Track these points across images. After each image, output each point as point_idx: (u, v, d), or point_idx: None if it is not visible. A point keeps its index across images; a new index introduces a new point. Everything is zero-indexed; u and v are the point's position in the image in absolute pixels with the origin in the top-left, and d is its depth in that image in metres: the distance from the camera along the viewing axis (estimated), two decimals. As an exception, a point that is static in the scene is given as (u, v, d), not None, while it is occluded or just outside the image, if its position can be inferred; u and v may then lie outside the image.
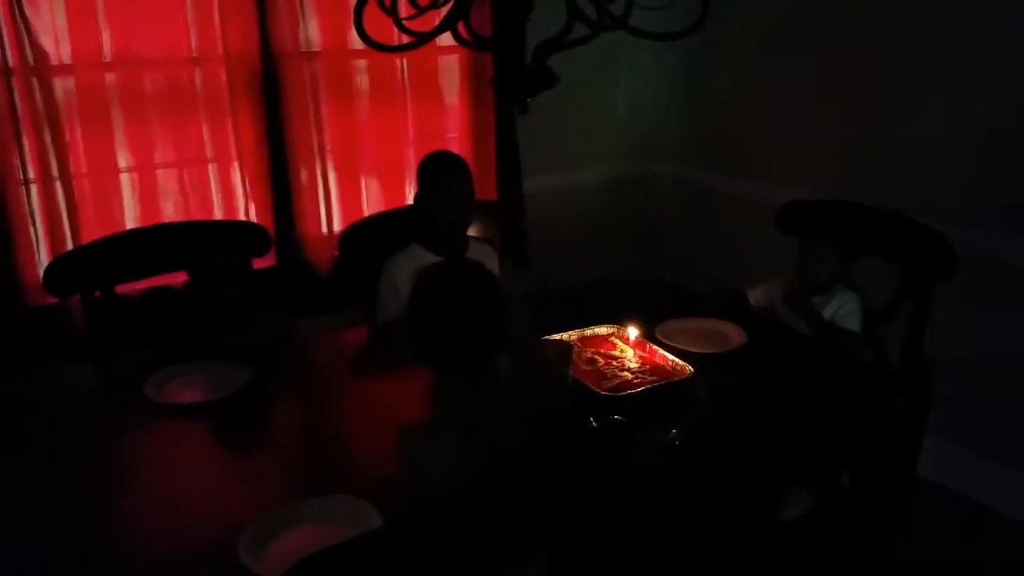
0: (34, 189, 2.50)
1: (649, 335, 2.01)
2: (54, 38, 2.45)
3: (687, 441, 1.57)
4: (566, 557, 1.22)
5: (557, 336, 1.95)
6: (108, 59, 2.56)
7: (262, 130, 2.82)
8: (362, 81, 2.98)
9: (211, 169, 2.81)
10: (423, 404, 1.85)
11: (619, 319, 2.03)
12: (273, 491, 1.51)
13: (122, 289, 2.25)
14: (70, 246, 2.52)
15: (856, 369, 2.02)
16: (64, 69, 2.49)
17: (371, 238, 2.47)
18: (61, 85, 2.49)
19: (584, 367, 1.86)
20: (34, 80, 2.42)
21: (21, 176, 2.47)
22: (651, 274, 3.58)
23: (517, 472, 1.21)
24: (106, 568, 1.33)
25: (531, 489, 1.15)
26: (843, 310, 2.18)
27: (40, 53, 2.41)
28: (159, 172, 2.72)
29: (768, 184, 3.16)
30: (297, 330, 2.27)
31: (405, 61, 3.03)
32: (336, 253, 2.67)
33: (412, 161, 3.07)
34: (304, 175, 2.88)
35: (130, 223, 2.66)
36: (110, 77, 2.58)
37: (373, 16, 1.55)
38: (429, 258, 2.18)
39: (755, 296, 2.36)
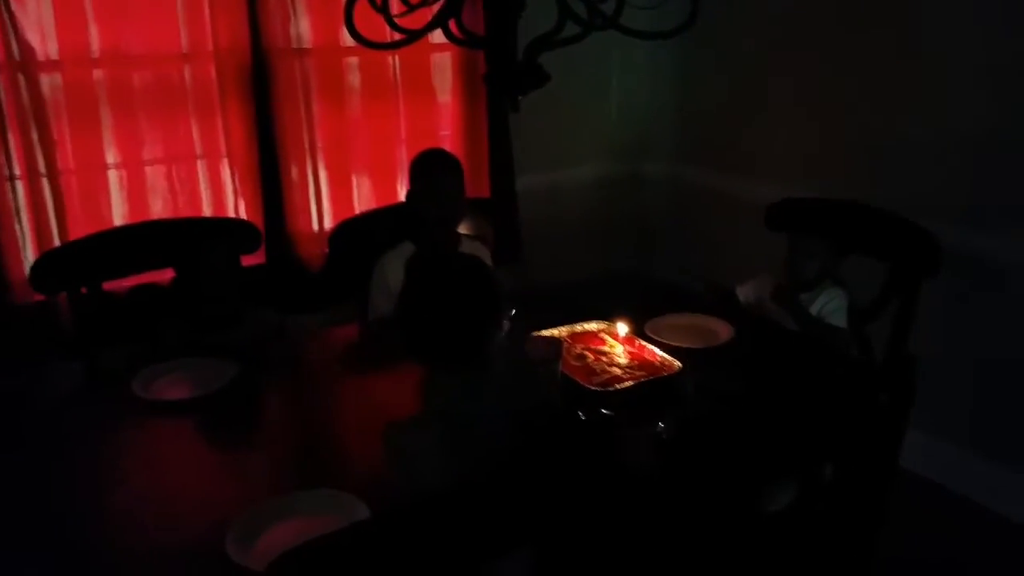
0: (20, 185, 2.49)
1: (639, 331, 2.02)
2: (41, 33, 2.44)
3: (674, 435, 1.58)
4: (553, 551, 1.23)
5: (547, 332, 1.95)
6: (96, 55, 2.55)
7: (252, 127, 2.81)
8: (354, 78, 2.98)
9: (200, 166, 2.80)
10: (413, 401, 1.85)
11: (609, 315, 2.04)
12: (261, 486, 1.52)
13: (110, 286, 2.24)
14: (57, 243, 2.51)
15: (841, 364, 2.03)
16: (51, 65, 2.48)
17: (362, 236, 2.47)
18: (48, 81, 2.48)
19: (574, 363, 1.86)
20: (20, 76, 2.40)
21: (7, 172, 2.45)
22: (642, 271, 3.59)
23: (505, 467, 1.22)
24: (95, 564, 1.33)
25: (518, 484, 1.15)
26: (830, 306, 2.20)
27: (27, 48, 2.39)
28: (147, 169, 2.70)
29: (758, 182, 3.17)
30: (287, 327, 2.26)
31: (397, 58, 3.03)
32: (327, 250, 2.66)
33: (404, 159, 3.07)
34: (295, 172, 2.88)
35: (118, 220, 2.65)
36: (98, 73, 2.57)
37: (364, 13, 1.55)
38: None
39: (743, 292, 2.37)
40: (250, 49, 2.74)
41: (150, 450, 1.66)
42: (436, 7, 1.56)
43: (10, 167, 2.46)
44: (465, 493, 1.12)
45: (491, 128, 3.21)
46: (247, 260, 2.35)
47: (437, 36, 1.63)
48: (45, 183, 2.49)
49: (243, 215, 2.83)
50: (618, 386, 1.77)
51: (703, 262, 3.48)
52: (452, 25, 1.55)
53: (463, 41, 1.61)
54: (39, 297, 2.31)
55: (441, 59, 3.14)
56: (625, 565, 1.38)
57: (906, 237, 2.20)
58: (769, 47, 3.15)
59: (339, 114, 2.96)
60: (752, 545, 1.65)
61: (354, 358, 2.15)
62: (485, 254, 2.38)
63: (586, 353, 1.93)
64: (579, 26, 1.51)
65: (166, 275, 2.29)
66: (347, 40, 1.75)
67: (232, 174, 2.82)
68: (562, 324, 2.02)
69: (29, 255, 2.51)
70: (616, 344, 1.98)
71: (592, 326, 2.05)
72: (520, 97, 1.62)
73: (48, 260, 2.20)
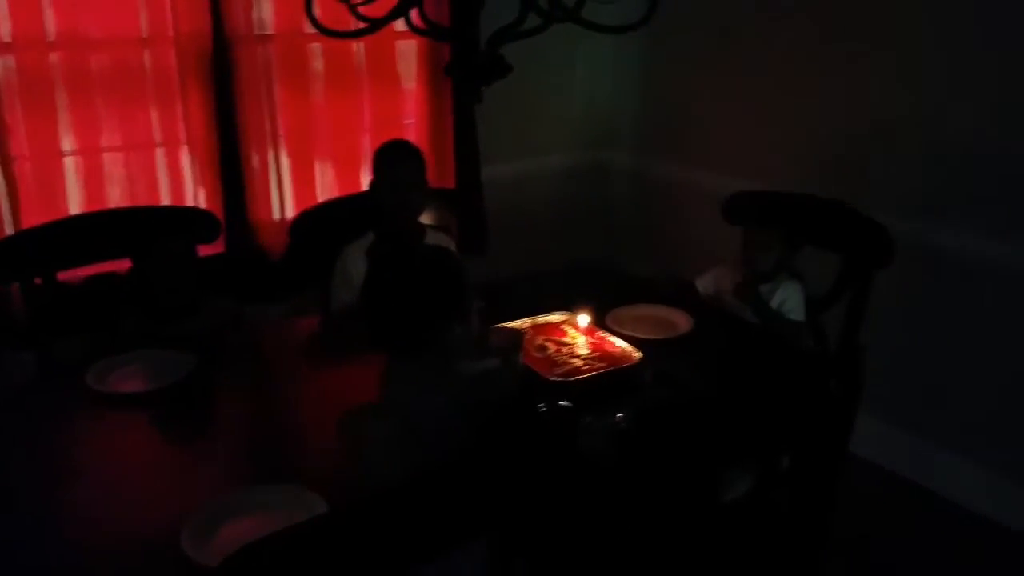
0: (-28, 171, 2.43)
1: (600, 322, 2.04)
2: (-7, 15, 2.39)
3: (633, 425, 1.59)
4: (511, 540, 1.24)
5: (509, 324, 1.96)
6: (52, 38, 2.49)
7: (213, 114, 2.77)
8: (317, 65, 2.95)
9: (159, 153, 2.76)
10: (372, 393, 1.85)
11: (571, 306, 2.06)
12: (218, 481, 1.51)
13: (65, 276, 2.20)
14: (9, 231, 2.45)
15: (796, 355, 2.07)
16: (4, 47, 2.42)
17: (324, 225, 2.46)
18: (1, 63, 2.42)
19: (535, 354, 1.88)
20: (-29, 58, 2.35)
21: (-42, 158, 2.40)
22: (605, 262, 3.61)
23: (462, 458, 1.23)
24: (49, 557, 1.31)
25: (475, 475, 1.16)
26: (788, 303, 2.23)
27: (-22, 30, 2.34)
28: (105, 156, 2.66)
29: (719, 174, 3.20)
30: (246, 317, 2.24)
31: (362, 46, 3.00)
32: (288, 239, 2.64)
33: (368, 147, 3.05)
34: (256, 160, 2.85)
35: (74, 208, 2.60)
36: (54, 57, 2.51)
37: (327, 0, 1.54)
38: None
39: (703, 284, 2.40)
40: (211, 34, 2.70)
41: (105, 444, 1.64)
42: (397, -3, 1.55)
43: (-39, 152, 2.40)
44: (422, 485, 1.12)
45: (457, 118, 3.19)
46: (207, 249, 2.32)
47: (403, 23, 1.62)
48: (-3, 169, 2.44)
49: (203, 204, 2.79)
50: (578, 377, 1.78)
51: (665, 253, 3.52)
52: (414, 15, 1.55)
53: (425, 31, 1.61)
54: (-8, 286, 2.26)
55: (407, 47, 3.12)
56: (584, 554, 1.40)
57: (859, 229, 2.25)
58: (729, 41, 3.18)
59: (302, 101, 2.93)
60: (710, 533, 1.68)
61: (314, 349, 2.14)
62: (449, 244, 2.38)
63: (547, 344, 1.94)
64: (541, 18, 1.52)
65: (123, 265, 2.25)
66: (311, 26, 1.74)
67: (192, 162, 2.78)
68: (524, 315, 2.03)
69: (-19, 243, 2.45)
70: (577, 335, 1.99)
71: (554, 317, 2.07)
72: (483, 88, 1.62)
73: (0, 249, 2.16)
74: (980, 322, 2.53)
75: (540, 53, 2.14)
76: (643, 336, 2.00)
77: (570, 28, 1.59)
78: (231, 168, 2.83)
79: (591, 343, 1.95)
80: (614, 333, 1.99)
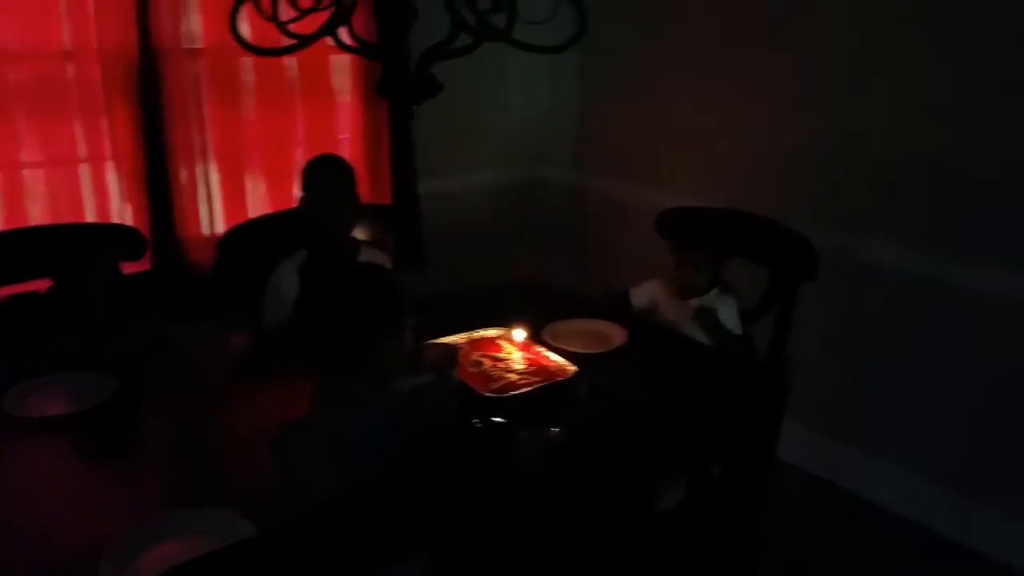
0: None
1: (536, 337, 2.05)
2: (-96, 25, 2.30)
3: (567, 439, 1.61)
4: (446, 555, 1.23)
5: (445, 339, 1.96)
6: (-33, 50, 2.41)
7: (140, 129, 2.71)
8: (249, 79, 2.90)
9: (83, 169, 2.68)
10: (304, 410, 1.82)
11: (507, 322, 2.07)
12: (142, 505, 1.47)
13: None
14: (-77, 250, 2.35)
15: (727, 366, 2.12)
16: (-84, 59, 2.33)
17: (254, 240, 2.42)
18: (-87, 76, 2.33)
19: (471, 369, 1.88)
20: None
21: None
22: (542, 277, 3.63)
23: (395, 475, 1.22)
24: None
25: (409, 492, 1.16)
26: (731, 323, 2.28)
27: None
28: (25, 172, 2.57)
29: (653, 189, 3.26)
30: (173, 336, 2.19)
31: (295, 60, 2.97)
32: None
33: (302, 161, 2.98)
34: (184, 175, 2.79)
35: (-7, 225, 2.51)
36: (-30, 70, 2.43)
37: (257, 15, 1.53)
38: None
39: (636, 297, 2.44)
40: (138, 47, 2.64)
41: (24, 469, 1.58)
42: (328, 12, 1.55)
43: None
44: (354, 502, 1.11)
45: (393, 132, 3.18)
46: (134, 267, 2.26)
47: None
48: (-91, 185, 2.34)
49: (129, 221, 2.72)
50: (513, 392, 1.79)
51: (602, 268, 3.56)
52: (343, 32, 1.54)
53: (355, 49, 1.60)
54: (-99, 308, 2.15)
55: (341, 61, 3.10)
56: (519, 568, 1.41)
57: (785, 244, 2.32)
58: (661, 58, 3.25)
59: (233, 115, 2.88)
60: (644, 542, 1.70)
61: (244, 368, 2.10)
62: (384, 261, 2.37)
63: (483, 360, 1.95)
64: (471, 37, 1.53)
65: (44, 284, 2.17)
66: (239, 41, 1.73)
67: (118, 177, 2.71)
68: (460, 330, 2.04)
69: None
70: (513, 350, 2.00)
71: (490, 332, 2.07)
72: (415, 106, 1.62)
73: (-89, 268, 2.07)
74: (901, 331, 2.63)
75: (476, 68, 2.16)
76: (579, 350, 2.02)
77: (505, 44, 1.61)
78: (159, 183, 2.77)
79: (527, 358, 1.96)
80: (550, 348, 2.01)
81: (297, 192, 2.96)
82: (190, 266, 2.84)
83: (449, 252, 3.35)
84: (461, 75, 1.65)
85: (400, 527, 1.15)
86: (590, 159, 3.69)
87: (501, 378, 1.86)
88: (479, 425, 1.66)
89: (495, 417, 1.71)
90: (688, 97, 3.18)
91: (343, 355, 1.57)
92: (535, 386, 1.82)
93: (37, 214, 2.59)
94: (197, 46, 2.76)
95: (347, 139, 3.18)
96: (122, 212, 2.74)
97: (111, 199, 2.72)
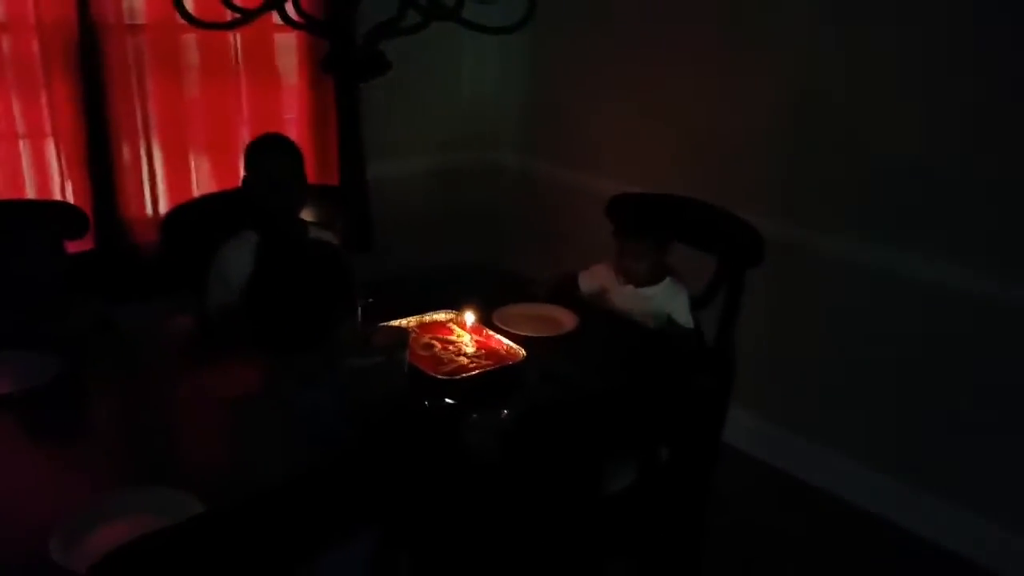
0: None
1: (486, 320, 2.06)
2: None
3: (517, 422, 1.62)
4: (395, 536, 1.24)
5: (396, 322, 1.96)
6: None
7: (80, 105, 2.63)
8: (192, 56, 2.84)
9: (22, 145, 2.60)
10: (251, 391, 1.81)
11: (458, 305, 2.07)
12: (88, 485, 1.44)
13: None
14: None
15: (675, 351, 2.16)
16: None
17: (198, 219, 2.37)
18: None
19: (421, 352, 1.88)
20: None
21: None
22: (492, 261, 3.64)
23: (344, 456, 1.22)
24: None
25: (358, 473, 1.16)
26: (683, 316, 2.30)
27: None
28: (-40, 147, 2.48)
29: (601, 175, 3.29)
30: (116, 317, 2.14)
31: (239, 37, 2.91)
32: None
33: (247, 140, 2.95)
34: (127, 153, 2.72)
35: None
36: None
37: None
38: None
39: (584, 281, 2.46)
40: (77, 22, 2.56)
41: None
42: (275, -12, 1.52)
43: None
44: (300, 485, 1.10)
45: (340, 114, 3.14)
46: (75, 246, 2.20)
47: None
48: None
49: (70, 198, 2.65)
50: (464, 375, 1.80)
51: (552, 252, 3.58)
52: (289, 7, 1.52)
53: (301, 25, 1.58)
54: None
55: (286, 40, 3.04)
56: (468, 548, 1.42)
57: (731, 230, 2.35)
58: (611, 44, 3.27)
59: (176, 93, 2.82)
60: (593, 525, 1.73)
61: (189, 349, 2.06)
62: (332, 241, 2.34)
63: (433, 343, 1.95)
64: (420, 15, 1.52)
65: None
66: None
67: (58, 155, 2.63)
68: (411, 314, 2.03)
69: None
70: (463, 333, 2.01)
71: (440, 316, 2.07)
72: (362, 84, 1.61)
73: None
74: (846, 318, 2.70)
75: (426, 50, 2.14)
76: (529, 334, 2.03)
77: (453, 24, 1.60)
78: (100, 161, 2.69)
79: (477, 341, 1.97)
80: (500, 331, 2.01)
81: (242, 172, 2.92)
82: (132, 246, 2.77)
83: (398, 235, 3.34)
84: (410, 56, 1.63)
85: (350, 507, 1.15)
86: (540, 143, 3.70)
87: (452, 361, 1.87)
88: (429, 407, 1.67)
89: (446, 399, 1.72)
90: (638, 83, 3.21)
91: (296, 336, 1.57)
92: (486, 369, 1.83)
93: (-28, 191, 2.51)
94: (139, 21, 2.68)
95: (293, 119, 3.13)
96: (63, 190, 2.66)
97: (52, 177, 2.65)
